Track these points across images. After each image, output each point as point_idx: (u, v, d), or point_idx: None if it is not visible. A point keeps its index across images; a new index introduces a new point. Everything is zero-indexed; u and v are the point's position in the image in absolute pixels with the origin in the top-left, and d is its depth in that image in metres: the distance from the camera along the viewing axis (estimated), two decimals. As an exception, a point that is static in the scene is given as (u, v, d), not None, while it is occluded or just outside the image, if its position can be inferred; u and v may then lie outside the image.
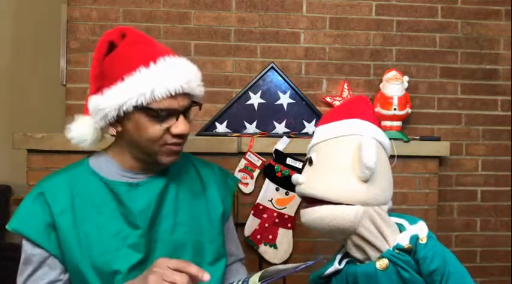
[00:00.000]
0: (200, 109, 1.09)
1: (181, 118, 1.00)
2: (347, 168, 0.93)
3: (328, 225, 0.92)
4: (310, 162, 0.98)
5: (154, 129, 0.98)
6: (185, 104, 1.00)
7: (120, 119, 1.00)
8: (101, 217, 1.03)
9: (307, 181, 0.96)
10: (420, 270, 0.90)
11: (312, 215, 0.93)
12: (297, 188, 0.98)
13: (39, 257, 1.01)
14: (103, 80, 1.00)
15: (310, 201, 0.96)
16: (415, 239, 0.91)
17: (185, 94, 1.00)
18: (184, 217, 1.10)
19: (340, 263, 0.99)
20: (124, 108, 0.96)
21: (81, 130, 1.05)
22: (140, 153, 1.04)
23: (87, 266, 1.00)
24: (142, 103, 0.95)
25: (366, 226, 0.91)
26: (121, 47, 1.00)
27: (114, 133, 1.08)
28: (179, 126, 0.99)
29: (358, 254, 0.94)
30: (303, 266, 0.89)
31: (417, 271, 0.90)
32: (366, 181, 0.92)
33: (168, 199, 1.09)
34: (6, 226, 1.02)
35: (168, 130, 0.99)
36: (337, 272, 0.99)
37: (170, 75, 0.97)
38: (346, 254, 1.00)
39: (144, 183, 1.07)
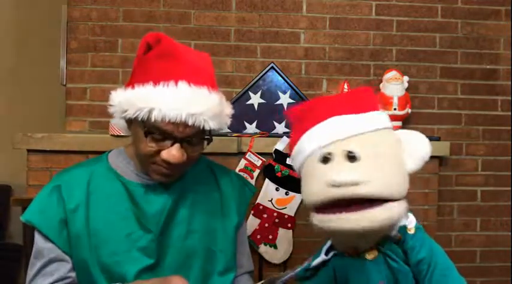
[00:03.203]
0: (208, 144, 1.02)
1: (176, 146, 0.95)
2: (399, 160, 0.89)
3: (387, 225, 0.84)
4: (353, 157, 0.83)
5: (147, 146, 0.96)
6: (188, 133, 0.95)
7: (129, 121, 1.00)
8: (114, 217, 1.02)
9: (365, 180, 0.81)
10: (408, 260, 0.91)
11: (379, 217, 0.81)
12: (351, 189, 0.81)
13: (49, 252, 1.01)
14: (130, 78, 1.00)
15: (356, 202, 0.83)
16: (403, 229, 0.91)
17: (191, 126, 0.94)
18: (199, 224, 1.08)
19: (327, 254, 0.99)
20: (126, 114, 0.95)
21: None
22: (139, 161, 1.04)
23: (95, 266, 1.00)
24: (141, 117, 0.93)
25: None
26: (150, 54, 0.98)
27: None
28: (170, 152, 0.95)
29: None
30: (300, 268, 0.89)
31: (405, 261, 0.91)
32: (409, 173, 0.89)
33: (183, 205, 1.07)
34: (21, 217, 1.02)
35: (160, 152, 0.96)
36: (323, 263, 0.98)
37: (174, 102, 0.92)
38: (332, 247, 1.00)
39: (161, 187, 1.06)
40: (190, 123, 0.93)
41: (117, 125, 1.07)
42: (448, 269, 0.92)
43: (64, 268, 1.01)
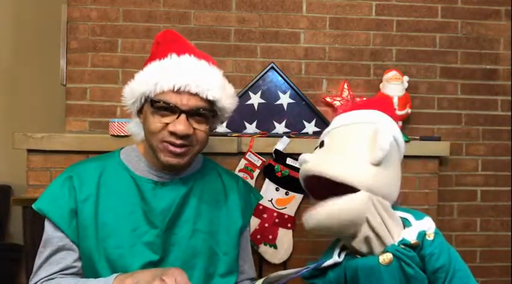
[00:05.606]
0: (214, 116, 1.06)
1: (182, 117, 0.98)
2: (359, 150, 0.93)
3: (338, 220, 0.89)
4: (322, 144, 0.99)
5: (154, 122, 0.99)
6: (192, 105, 0.99)
7: (140, 110, 1.05)
8: (122, 210, 1.04)
9: (315, 161, 0.94)
10: (425, 267, 0.89)
11: (318, 215, 0.91)
12: (303, 167, 0.96)
13: (58, 241, 1.03)
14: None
15: (312, 185, 0.94)
16: (422, 235, 0.90)
17: (194, 95, 0.99)
18: (204, 224, 1.09)
19: (339, 255, 0.98)
20: (137, 95, 1.01)
21: (135, 127, 1.11)
22: (150, 149, 1.05)
23: (100, 258, 1.01)
24: (149, 93, 0.99)
25: (374, 214, 0.90)
26: (156, 46, 1.06)
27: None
28: (177, 124, 0.98)
29: (363, 247, 0.93)
30: (304, 270, 0.88)
31: (421, 268, 0.89)
32: (376, 164, 0.90)
33: (190, 204, 1.09)
34: (32, 205, 1.04)
35: (167, 126, 0.99)
36: (334, 264, 0.97)
37: (179, 70, 0.98)
38: (345, 247, 0.99)
39: (170, 184, 1.08)
40: (193, 90, 0.97)
41: (130, 129, 1.12)
42: (466, 277, 0.91)
43: (71, 257, 1.03)
